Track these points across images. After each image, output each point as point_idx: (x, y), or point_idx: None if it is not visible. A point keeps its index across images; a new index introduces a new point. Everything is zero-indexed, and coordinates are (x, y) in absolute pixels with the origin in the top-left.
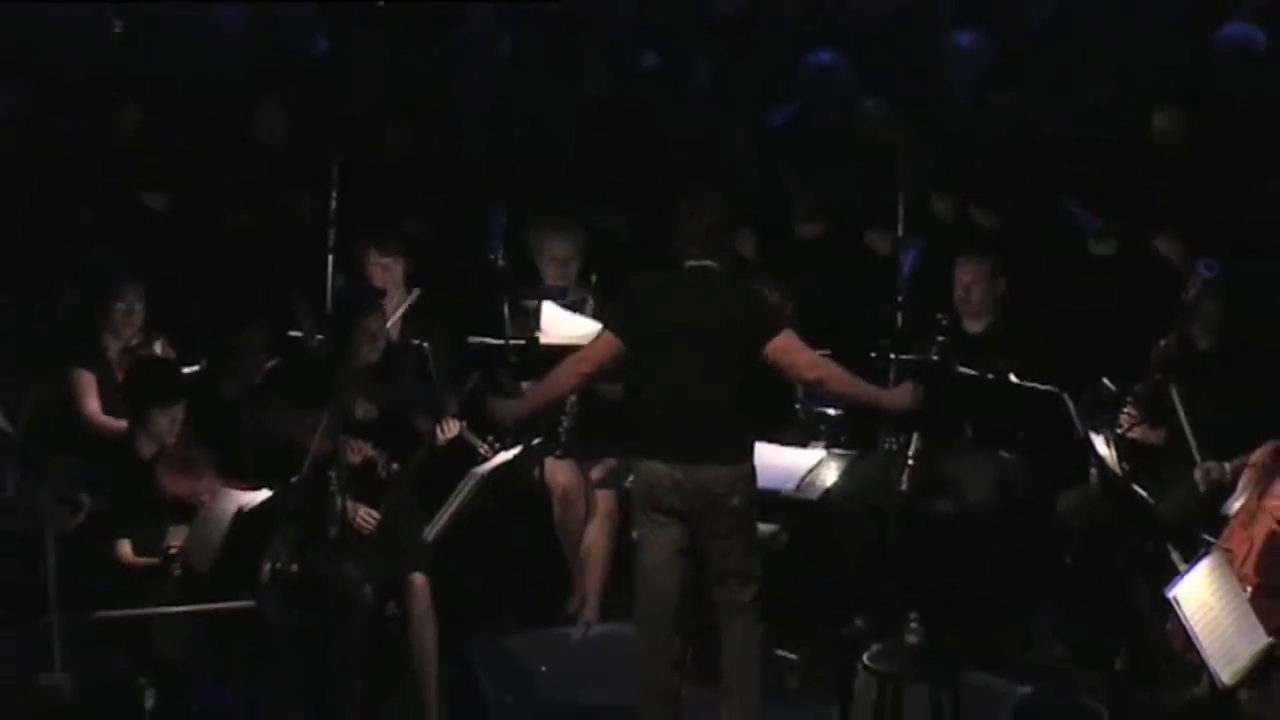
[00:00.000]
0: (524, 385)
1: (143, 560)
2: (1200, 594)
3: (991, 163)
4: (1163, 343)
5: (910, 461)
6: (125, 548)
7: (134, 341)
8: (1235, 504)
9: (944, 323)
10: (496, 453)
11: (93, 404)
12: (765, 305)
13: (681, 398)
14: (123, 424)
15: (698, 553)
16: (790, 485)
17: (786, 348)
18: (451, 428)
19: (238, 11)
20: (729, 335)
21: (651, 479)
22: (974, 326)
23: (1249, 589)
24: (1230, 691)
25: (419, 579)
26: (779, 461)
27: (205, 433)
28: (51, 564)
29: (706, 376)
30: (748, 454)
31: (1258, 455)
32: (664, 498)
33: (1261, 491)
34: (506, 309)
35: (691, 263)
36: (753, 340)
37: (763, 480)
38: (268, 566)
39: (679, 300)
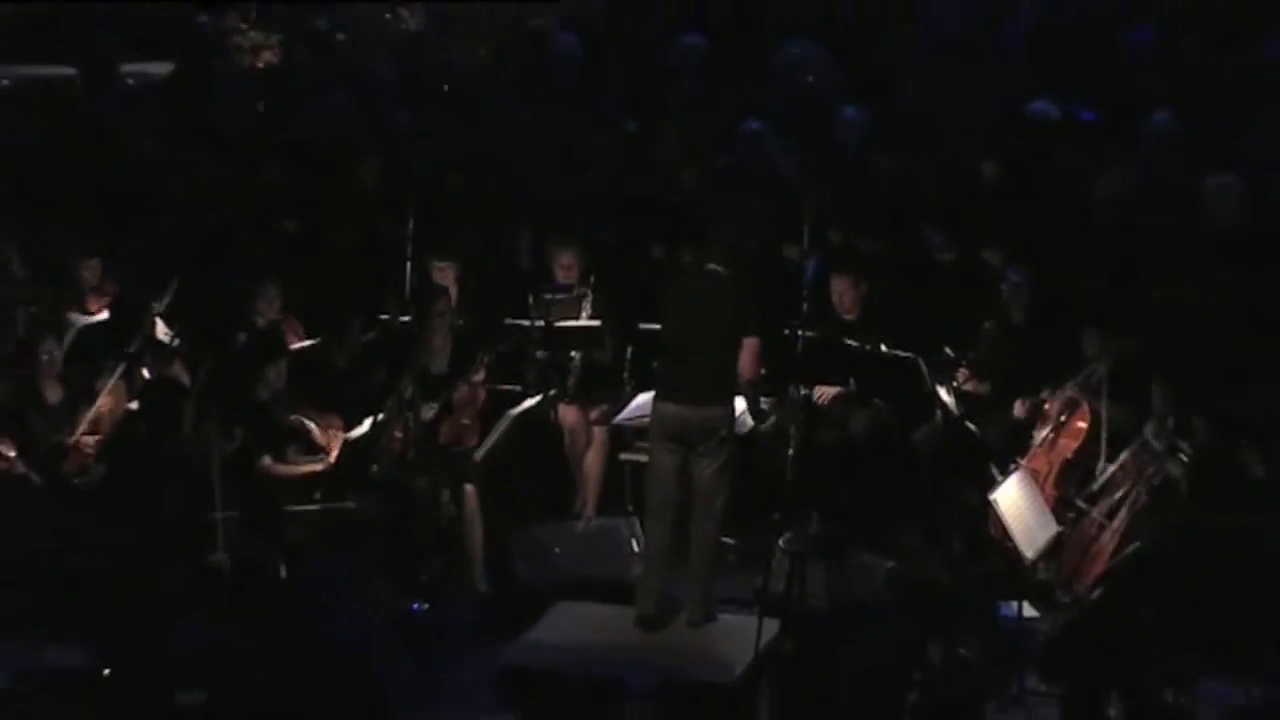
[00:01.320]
0: (539, 354)
1: (278, 470)
2: (1012, 498)
3: (870, 201)
4: (988, 324)
5: (810, 406)
6: (266, 460)
7: (275, 318)
8: (1040, 435)
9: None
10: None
11: None
12: (752, 309)
13: (692, 361)
14: None
15: (689, 469)
16: None
17: (748, 347)
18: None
19: (344, 96)
20: (726, 324)
21: (666, 415)
22: (849, 317)
23: (1048, 497)
24: (1032, 564)
25: (470, 488)
26: None
27: (320, 387)
28: (216, 476)
29: (709, 348)
30: (732, 399)
31: (1057, 404)
32: (674, 429)
33: (1058, 429)
34: (531, 299)
35: (711, 266)
36: (739, 331)
37: None
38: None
39: (695, 296)
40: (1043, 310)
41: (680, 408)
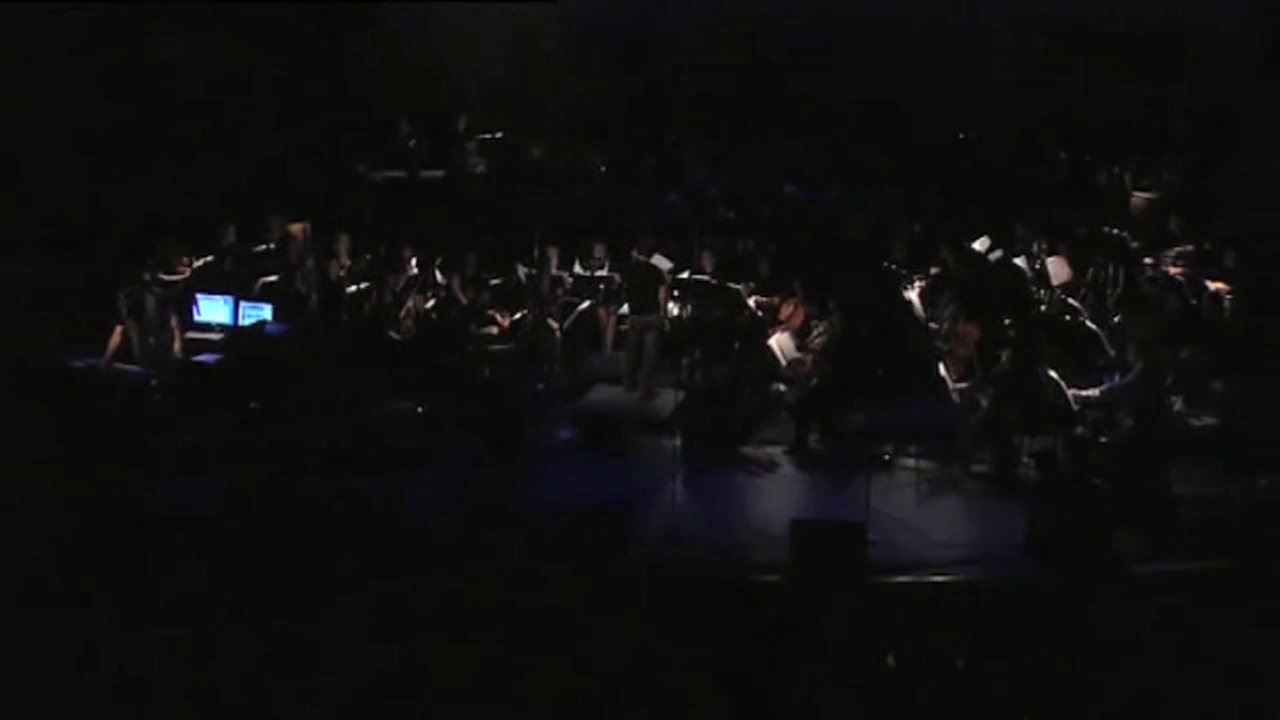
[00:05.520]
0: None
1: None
2: (778, 341)
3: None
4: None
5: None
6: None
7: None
8: (785, 316)
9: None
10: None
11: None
12: (663, 273)
13: (637, 293)
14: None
15: (641, 336)
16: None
17: (660, 289)
18: None
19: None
20: (651, 278)
21: (634, 318)
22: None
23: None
24: (786, 368)
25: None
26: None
27: (500, 297)
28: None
29: (643, 291)
30: (657, 310)
31: (791, 305)
32: (631, 322)
33: (791, 315)
34: (585, 263)
35: (638, 256)
36: (656, 284)
37: None
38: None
39: (636, 267)
40: (780, 271)
41: (634, 315)
